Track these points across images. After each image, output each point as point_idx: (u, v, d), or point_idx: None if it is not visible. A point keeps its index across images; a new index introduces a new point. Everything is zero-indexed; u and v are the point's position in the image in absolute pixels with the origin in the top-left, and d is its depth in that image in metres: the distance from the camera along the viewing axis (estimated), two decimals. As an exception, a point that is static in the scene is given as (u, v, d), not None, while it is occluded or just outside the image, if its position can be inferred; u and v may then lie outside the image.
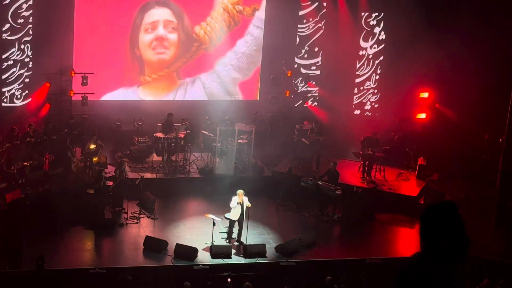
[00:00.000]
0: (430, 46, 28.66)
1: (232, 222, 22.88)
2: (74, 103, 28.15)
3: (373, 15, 30.55)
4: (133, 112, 28.62)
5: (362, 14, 30.55)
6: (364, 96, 31.36)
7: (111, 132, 28.38)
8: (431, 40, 28.80)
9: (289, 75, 30.07)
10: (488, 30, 27.61)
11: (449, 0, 28.97)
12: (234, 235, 23.01)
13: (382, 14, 30.49)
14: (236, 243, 22.83)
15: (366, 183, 26.79)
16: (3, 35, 27.06)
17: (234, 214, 22.67)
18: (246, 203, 22.68)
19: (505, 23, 27.28)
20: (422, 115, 29.74)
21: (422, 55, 28.87)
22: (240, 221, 22.79)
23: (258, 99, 30.68)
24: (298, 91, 30.78)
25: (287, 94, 30.05)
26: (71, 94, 27.72)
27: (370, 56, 31.06)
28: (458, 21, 28.72)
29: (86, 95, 27.81)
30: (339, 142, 29.13)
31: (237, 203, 22.51)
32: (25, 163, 24.78)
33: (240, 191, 22.60)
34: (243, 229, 22.93)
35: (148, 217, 24.31)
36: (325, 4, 30.22)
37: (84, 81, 27.76)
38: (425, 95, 29.80)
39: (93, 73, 28.01)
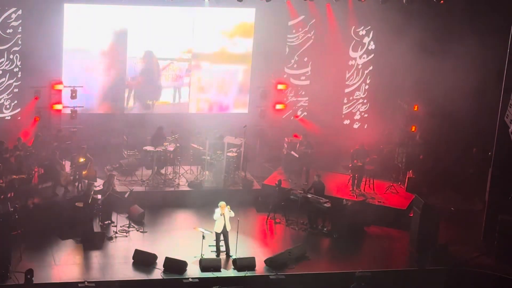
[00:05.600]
0: (420, 57, 28.74)
1: (217, 235, 22.89)
2: (63, 116, 28.16)
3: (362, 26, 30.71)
4: (122, 125, 28.59)
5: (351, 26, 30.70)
6: (354, 106, 31.44)
7: (100, 145, 28.34)
8: (421, 52, 28.87)
9: (286, 87, 30.32)
10: (478, 43, 27.67)
11: (438, 12, 28.96)
12: (223, 249, 22.99)
13: (369, 26, 30.62)
14: (224, 257, 22.82)
15: (355, 196, 26.80)
16: (-9, 44, 27.21)
17: (218, 226, 22.73)
18: (229, 213, 22.73)
19: (495, 35, 27.30)
20: (408, 128, 29.73)
21: (411, 67, 29.00)
22: (224, 233, 22.82)
23: (247, 112, 30.69)
24: (287, 102, 30.83)
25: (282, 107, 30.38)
26: (54, 108, 27.87)
27: (360, 66, 31.16)
28: (448, 34, 28.86)
29: (75, 108, 27.86)
30: (328, 155, 29.15)
31: (220, 215, 22.57)
32: (14, 177, 24.70)
33: (222, 203, 22.70)
34: (233, 242, 22.93)
35: (137, 230, 24.27)
36: (314, 15, 30.31)
37: (73, 94, 27.82)
38: (411, 107, 29.79)
39: (82, 86, 28.11)
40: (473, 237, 25.22)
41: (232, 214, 22.87)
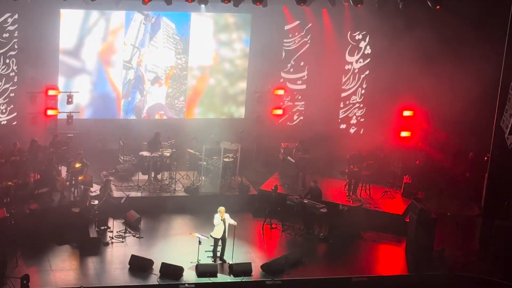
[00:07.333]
0: (416, 62, 28.77)
1: (216, 241, 22.89)
2: (59, 122, 28.16)
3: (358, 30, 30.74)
4: (118, 131, 28.58)
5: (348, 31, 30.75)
6: (350, 111, 31.45)
7: (97, 150, 28.33)
8: (417, 56, 28.90)
9: (284, 93, 30.38)
10: (474, 48, 27.72)
11: (435, 17, 28.97)
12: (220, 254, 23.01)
13: (365, 31, 30.64)
14: (220, 262, 22.81)
15: (351, 201, 26.80)
16: (-12, 49, 27.24)
17: (217, 232, 22.71)
18: (230, 220, 22.74)
19: (492, 41, 27.36)
20: (406, 133, 29.69)
21: (407, 71, 29.02)
22: (223, 238, 22.83)
23: (243, 117, 30.70)
24: (283, 106, 30.83)
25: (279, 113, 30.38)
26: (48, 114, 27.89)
27: (356, 71, 31.18)
28: (445, 38, 28.87)
29: (71, 113, 27.86)
30: (325, 160, 29.14)
31: (221, 220, 22.56)
32: (10, 182, 24.67)
33: (221, 208, 22.69)
34: (229, 247, 22.92)
35: (133, 236, 24.25)
36: (310, 20, 30.33)
37: (69, 99, 27.81)
38: (408, 113, 29.76)
39: (78, 92, 28.12)
40: (469, 242, 25.25)
41: (234, 222, 22.81)
